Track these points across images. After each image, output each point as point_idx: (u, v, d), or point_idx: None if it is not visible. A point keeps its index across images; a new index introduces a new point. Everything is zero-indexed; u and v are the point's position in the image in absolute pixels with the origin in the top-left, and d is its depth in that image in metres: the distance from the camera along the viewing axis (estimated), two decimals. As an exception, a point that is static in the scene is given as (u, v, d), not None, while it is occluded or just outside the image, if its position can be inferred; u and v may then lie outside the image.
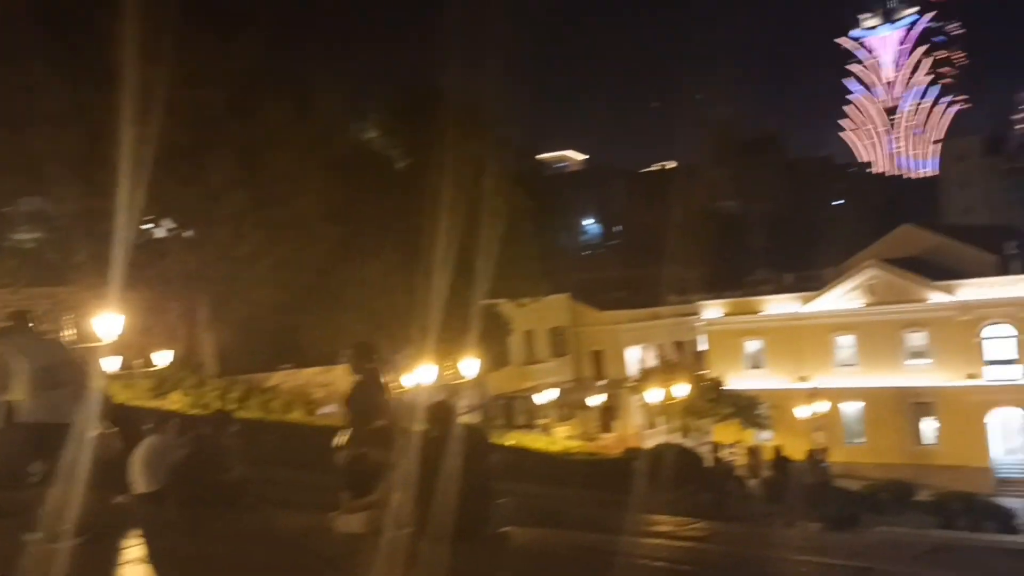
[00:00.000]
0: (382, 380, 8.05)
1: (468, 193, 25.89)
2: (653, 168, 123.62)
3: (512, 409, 45.12)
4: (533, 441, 27.91)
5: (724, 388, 44.53)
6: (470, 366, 27.51)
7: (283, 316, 29.45)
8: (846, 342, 46.75)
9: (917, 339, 44.63)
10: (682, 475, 19.21)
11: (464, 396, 28.82)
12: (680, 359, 52.80)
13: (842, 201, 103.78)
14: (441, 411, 7.35)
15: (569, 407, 47.81)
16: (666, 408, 41.45)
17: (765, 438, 41.54)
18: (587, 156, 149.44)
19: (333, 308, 29.33)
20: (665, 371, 46.84)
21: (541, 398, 45.81)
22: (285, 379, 29.30)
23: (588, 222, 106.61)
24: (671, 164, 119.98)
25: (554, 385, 47.36)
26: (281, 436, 19.46)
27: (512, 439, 26.46)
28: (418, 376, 24.80)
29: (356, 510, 7.65)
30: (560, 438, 34.80)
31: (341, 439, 7.95)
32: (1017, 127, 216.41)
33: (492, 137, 32.30)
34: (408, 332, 24.90)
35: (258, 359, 30.71)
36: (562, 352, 51.67)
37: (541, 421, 44.18)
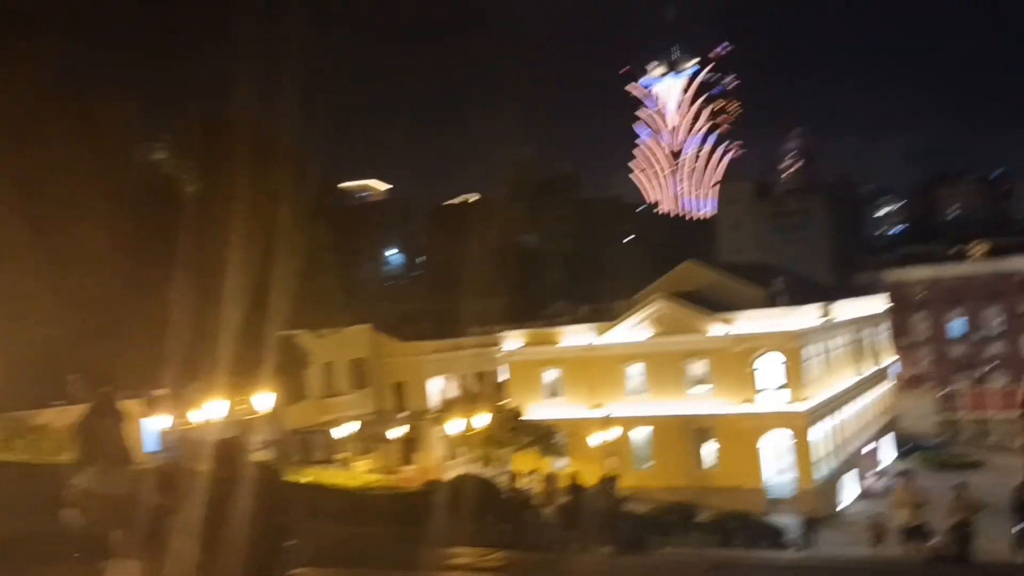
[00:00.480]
0: (116, 406, 7.59)
1: (264, 222, 25.06)
2: (456, 201, 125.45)
3: (310, 444, 43.82)
4: (331, 477, 27.21)
5: (523, 417, 45.51)
6: (264, 400, 26.47)
7: (63, 352, 27.10)
8: (636, 371, 49.24)
9: (699, 368, 47.75)
10: (482, 506, 19.36)
11: (257, 432, 27.65)
12: (481, 389, 53.50)
13: (632, 237, 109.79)
14: (228, 449, 6.98)
15: (369, 440, 47.10)
16: (467, 439, 41.79)
17: (561, 465, 42.74)
18: (390, 187, 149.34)
19: (117, 342, 27.37)
20: (466, 402, 47.30)
21: (340, 432, 44.85)
22: (55, 417, 26.91)
23: (391, 253, 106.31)
24: (474, 197, 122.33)
25: (354, 418, 46.53)
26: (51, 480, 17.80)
27: (309, 475, 25.67)
28: (207, 412, 23.55)
29: (133, 558, 7.13)
30: (360, 472, 34.17)
31: (78, 477, 7.40)
32: (783, 175, 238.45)
33: (291, 165, 31.51)
34: (198, 366, 23.64)
35: (28, 396, 28.08)
36: (363, 384, 50.91)
37: (340, 455, 43.21)
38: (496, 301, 59.32)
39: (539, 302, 69.64)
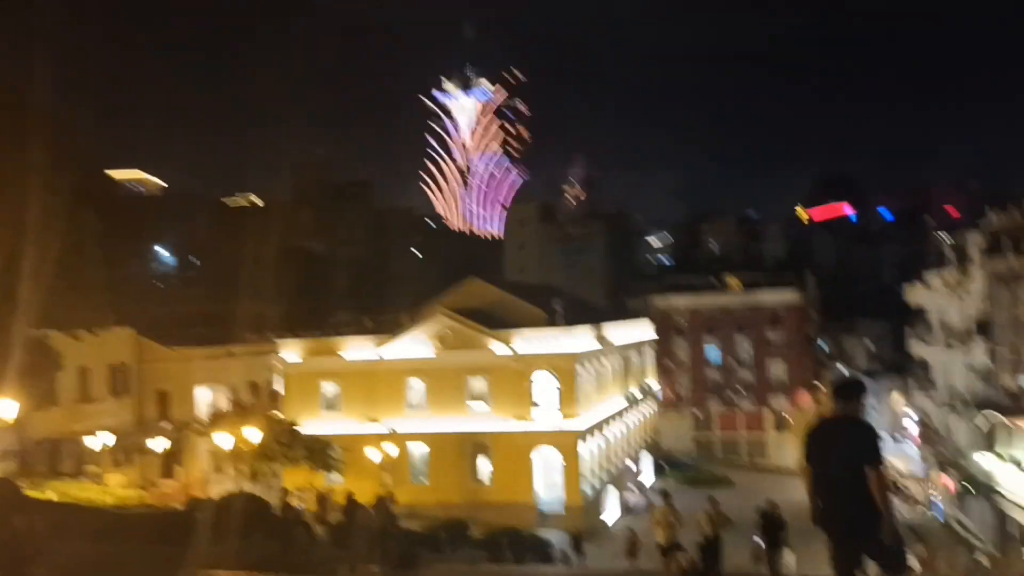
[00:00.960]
0: None
1: (14, 203, 22.61)
2: (237, 200, 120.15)
3: (59, 454, 39.98)
4: (82, 491, 24.94)
5: (298, 431, 44.03)
6: (5, 406, 23.78)
7: None
8: (417, 386, 49.14)
9: (479, 385, 48.42)
10: (249, 524, 18.45)
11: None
12: (255, 400, 51.26)
13: (419, 251, 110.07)
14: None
15: (127, 451, 43.69)
16: (236, 452, 39.76)
17: (336, 482, 41.75)
18: (165, 182, 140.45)
19: None
20: (237, 413, 45.07)
21: (95, 442, 41.25)
22: None
23: (163, 251, 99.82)
24: (256, 199, 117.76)
25: (111, 427, 42.96)
26: None
27: (56, 490, 23.36)
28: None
29: None
30: (114, 486, 31.55)
31: None
32: (568, 199, 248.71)
33: (50, 140, 28.60)
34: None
35: None
36: (123, 391, 47.26)
37: (92, 468, 39.71)
38: (276, 308, 57.24)
39: (323, 311, 67.99)
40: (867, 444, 6.56)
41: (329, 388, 50.15)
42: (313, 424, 46.75)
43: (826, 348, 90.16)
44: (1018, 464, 34.66)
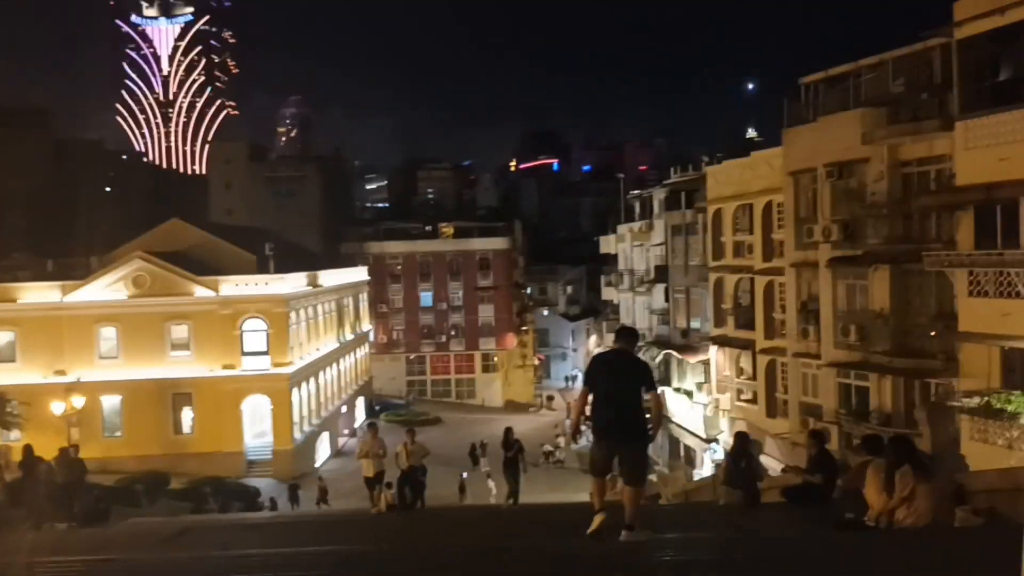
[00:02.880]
0: None
1: None
2: None
3: None
4: None
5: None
6: None
7: None
8: (109, 334, 45.60)
9: (181, 332, 45.90)
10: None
11: None
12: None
13: (112, 188, 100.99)
14: None
15: None
16: None
17: (14, 438, 37.93)
18: None
19: None
20: None
21: None
22: None
23: None
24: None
25: None
26: None
27: None
28: None
29: None
30: None
31: None
32: (280, 139, 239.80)
33: None
34: None
35: None
36: None
37: None
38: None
39: (-4, 252, 60.54)
40: (647, 375, 8.19)
41: (3, 337, 45.07)
42: (-16, 378, 41.85)
43: (531, 292, 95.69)
44: (688, 395, 39.35)
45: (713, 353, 36.56)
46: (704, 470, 34.97)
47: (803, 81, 29.20)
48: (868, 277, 25.27)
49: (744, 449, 12.82)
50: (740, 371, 34.92)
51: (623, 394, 7.94)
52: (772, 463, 25.19)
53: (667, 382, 40.94)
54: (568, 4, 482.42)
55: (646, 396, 8.04)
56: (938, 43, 23.28)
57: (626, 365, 8.14)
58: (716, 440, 35.68)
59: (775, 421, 31.24)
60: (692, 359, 39.23)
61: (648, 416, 8.25)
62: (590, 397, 8.16)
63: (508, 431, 21.32)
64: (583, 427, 8.77)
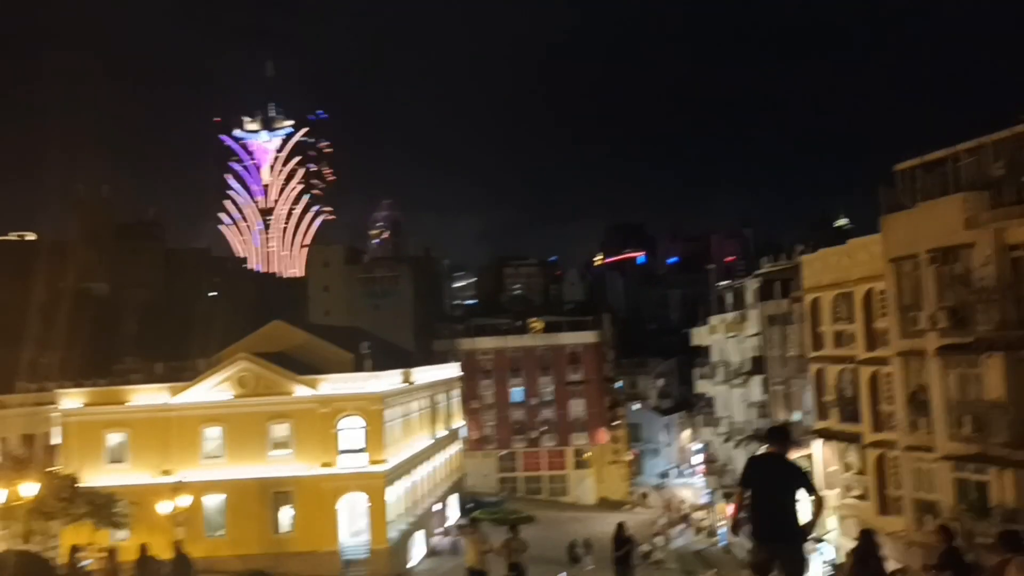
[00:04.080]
0: None
1: None
2: (9, 237, 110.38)
3: None
4: None
5: (80, 485, 40.69)
6: None
7: None
8: (213, 434, 46.88)
9: (282, 430, 46.90)
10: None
11: None
12: (30, 454, 46.83)
13: (217, 293, 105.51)
14: None
15: None
16: (9, 509, 36.14)
17: (122, 537, 38.96)
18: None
19: None
20: (10, 468, 40.99)
21: None
22: None
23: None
24: (30, 235, 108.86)
25: None
26: None
27: None
28: None
29: None
30: None
31: None
32: (372, 242, 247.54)
33: None
34: None
35: None
36: None
37: None
38: (55, 354, 52.94)
39: (109, 357, 63.52)
40: (804, 478, 8.32)
41: (115, 439, 46.86)
42: (97, 476, 43.42)
43: (622, 386, 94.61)
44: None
45: (817, 447, 35.29)
46: (811, 570, 33.31)
47: (898, 168, 28.91)
48: (981, 365, 24.26)
49: (871, 549, 12.29)
50: (847, 466, 33.54)
51: (780, 497, 8.07)
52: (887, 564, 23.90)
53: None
54: (648, 97, 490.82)
55: (809, 498, 8.17)
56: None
57: (781, 468, 8.29)
58: (822, 540, 34.09)
59: (888, 519, 29.71)
60: (794, 454, 37.91)
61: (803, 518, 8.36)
62: (747, 494, 8.40)
63: (621, 526, 20.84)
64: (740, 530, 8.95)
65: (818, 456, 35.26)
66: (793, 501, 8.05)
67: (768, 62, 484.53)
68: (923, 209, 26.71)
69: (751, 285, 47.72)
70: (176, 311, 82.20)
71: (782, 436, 8.70)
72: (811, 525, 8.32)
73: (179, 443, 46.15)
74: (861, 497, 32.02)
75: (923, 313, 25.99)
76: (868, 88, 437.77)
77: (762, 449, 8.76)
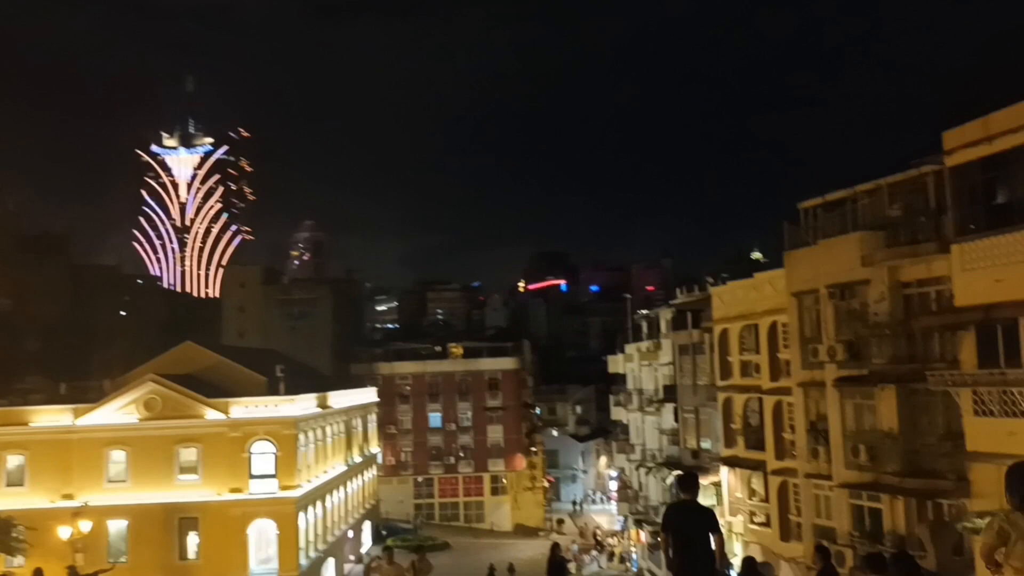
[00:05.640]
0: None
1: None
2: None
3: None
4: None
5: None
6: None
7: None
8: (118, 457, 45.47)
9: (190, 455, 45.75)
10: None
11: None
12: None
13: (127, 312, 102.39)
14: None
15: None
16: None
17: (18, 564, 37.42)
18: None
19: None
20: None
21: None
22: None
23: None
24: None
25: None
26: None
27: None
28: None
29: None
30: None
31: None
32: (292, 263, 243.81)
33: None
34: None
35: None
36: None
37: None
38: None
39: (10, 375, 61.06)
40: (715, 521, 9.38)
41: (13, 460, 45.01)
42: (-8, 502, 41.61)
43: (541, 413, 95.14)
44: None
45: (724, 474, 36.23)
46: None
47: (802, 206, 30.15)
48: (875, 397, 25.42)
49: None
50: (752, 492, 34.54)
51: (698, 539, 9.14)
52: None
53: (679, 504, 40.35)
54: (574, 127, 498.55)
55: (713, 537, 9.26)
56: (931, 169, 24.20)
57: (696, 513, 9.40)
58: (730, 564, 34.92)
59: (789, 544, 30.72)
60: (704, 481, 38.80)
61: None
62: (669, 539, 9.35)
63: (556, 547, 20.04)
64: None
65: (725, 483, 36.18)
66: (708, 542, 9.12)
67: (693, 98, 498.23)
68: (823, 246, 27.93)
69: (665, 315, 48.81)
70: (82, 329, 79.44)
71: (693, 483, 9.74)
72: (718, 561, 9.35)
73: (81, 466, 44.62)
74: (765, 524, 32.98)
75: (822, 346, 27.10)
76: (792, 125, 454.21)
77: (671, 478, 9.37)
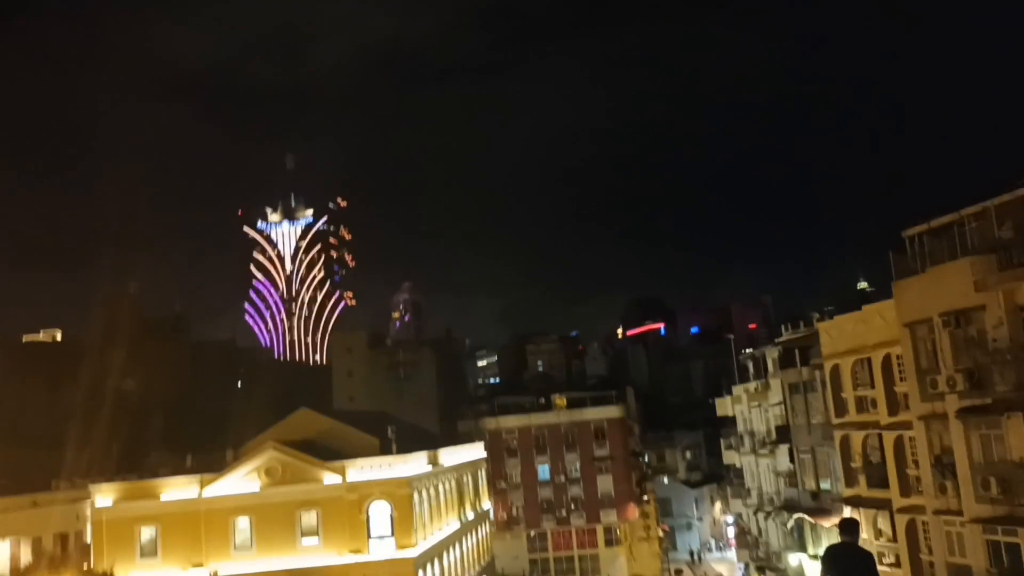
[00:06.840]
0: None
1: None
2: (36, 337, 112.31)
3: None
4: None
5: (112, 582, 40.93)
6: None
7: None
8: (243, 525, 47.03)
9: (310, 519, 46.99)
10: None
11: None
12: (63, 552, 47.16)
13: (243, 384, 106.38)
14: None
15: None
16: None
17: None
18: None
19: None
20: (43, 567, 41.39)
21: None
22: None
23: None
24: (57, 334, 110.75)
25: None
26: None
27: None
28: None
29: None
30: None
31: None
32: (395, 324, 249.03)
33: None
34: None
35: None
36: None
37: None
38: (86, 452, 53.71)
39: (138, 453, 64.17)
40: (873, 565, 9.58)
41: (147, 533, 47.10)
42: (130, 573, 43.62)
43: (649, 460, 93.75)
44: (824, 559, 37.48)
45: (847, 515, 35.05)
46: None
47: (906, 233, 29.51)
48: (1002, 426, 24.42)
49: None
50: (879, 533, 33.28)
51: None
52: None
53: (802, 548, 39.18)
54: (662, 173, 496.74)
55: None
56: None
57: (858, 556, 9.66)
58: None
59: (924, 586, 29.42)
60: (826, 523, 37.63)
61: None
62: None
63: None
64: None
65: (849, 524, 34.96)
66: None
67: (782, 135, 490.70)
68: (932, 274, 27.23)
69: (771, 353, 47.91)
70: (203, 404, 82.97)
71: (854, 527, 10.01)
72: None
73: (209, 535, 46.29)
74: (895, 565, 31.71)
75: (941, 376, 26.25)
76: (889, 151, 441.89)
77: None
